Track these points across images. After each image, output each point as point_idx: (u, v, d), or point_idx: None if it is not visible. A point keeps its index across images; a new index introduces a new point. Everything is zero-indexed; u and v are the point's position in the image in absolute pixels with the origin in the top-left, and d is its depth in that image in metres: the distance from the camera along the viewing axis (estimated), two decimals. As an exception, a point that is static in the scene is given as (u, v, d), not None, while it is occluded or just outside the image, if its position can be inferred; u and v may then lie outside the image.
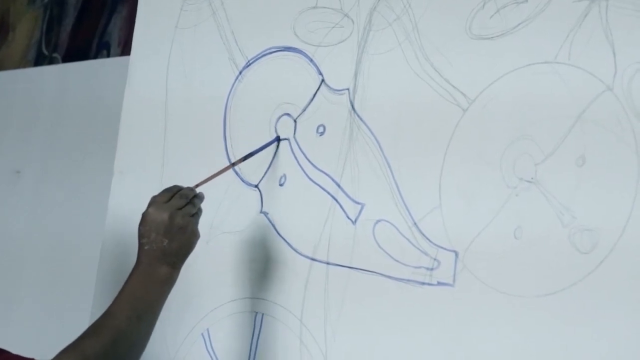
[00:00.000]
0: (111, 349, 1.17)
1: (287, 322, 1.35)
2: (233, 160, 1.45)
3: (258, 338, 1.38)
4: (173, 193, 1.27)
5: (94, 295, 1.64)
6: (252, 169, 1.45)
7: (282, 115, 1.42)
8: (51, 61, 2.36)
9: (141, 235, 1.25)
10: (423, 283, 1.20)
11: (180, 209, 1.26)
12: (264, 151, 1.43)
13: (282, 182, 1.41)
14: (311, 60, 1.41)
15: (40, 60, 2.41)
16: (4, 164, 2.33)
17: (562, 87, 1.11)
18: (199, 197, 1.30)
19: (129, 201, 1.62)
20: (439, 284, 1.18)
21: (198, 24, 1.60)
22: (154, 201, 1.27)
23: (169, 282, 1.25)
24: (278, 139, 1.42)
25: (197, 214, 1.29)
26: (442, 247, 1.19)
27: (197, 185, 1.33)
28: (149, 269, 1.24)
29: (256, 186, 1.44)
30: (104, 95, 2.06)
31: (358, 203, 1.30)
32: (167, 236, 1.24)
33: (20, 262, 2.21)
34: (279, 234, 1.39)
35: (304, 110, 1.40)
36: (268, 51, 1.47)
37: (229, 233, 1.46)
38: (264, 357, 1.37)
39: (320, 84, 1.39)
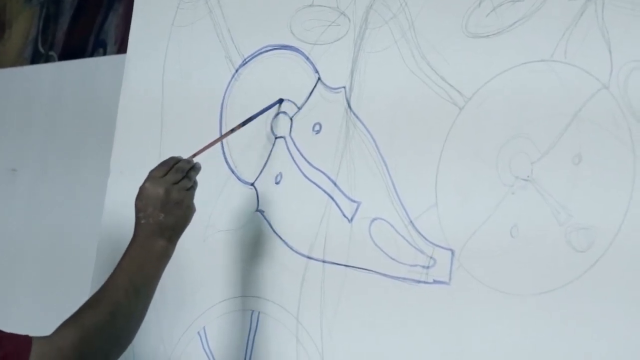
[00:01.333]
0: (110, 321, 1.19)
1: (284, 320, 1.34)
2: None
3: (254, 336, 1.38)
4: (169, 167, 1.28)
5: (90, 294, 1.63)
6: (248, 167, 1.45)
7: (279, 114, 1.42)
8: (47, 59, 2.36)
9: (138, 210, 1.26)
10: (419, 281, 1.20)
11: (176, 183, 1.26)
12: (261, 150, 1.42)
13: (278, 180, 1.40)
14: (307, 59, 1.40)
15: (36, 58, 2.40)
16: (0, 162, 2.33)
17: (558, 86, 1.11)
18: (195, 170, 1.30)
19: (125, 199, 1.61)
20: (435, 282, 1.18)
21: (194, 22, 1.60)
22: (150, 176, 1.27)
23: (166, 255, 1.26)
24: (280, 101, 1.41)
25: (193, 187, 1.29)
26: (438, 246, 1.19)
27: (193, 156, 1.32)
28: (145, 242, 1.24)
29: (252, 184, 1.44)
30: (101, 94, 2.05)
31: (354, 201, 1.30)
32: (163, 210, 1.25)
33: (17, 260, 2.20)
34: (275, 232, 1.39)
35: (300, 108, 1.40)
36: (264, 49, 1.47)
37: (225, 231, 1.45)
38: (260, 355, 1.37)
39: (317, 82, 1.38)
